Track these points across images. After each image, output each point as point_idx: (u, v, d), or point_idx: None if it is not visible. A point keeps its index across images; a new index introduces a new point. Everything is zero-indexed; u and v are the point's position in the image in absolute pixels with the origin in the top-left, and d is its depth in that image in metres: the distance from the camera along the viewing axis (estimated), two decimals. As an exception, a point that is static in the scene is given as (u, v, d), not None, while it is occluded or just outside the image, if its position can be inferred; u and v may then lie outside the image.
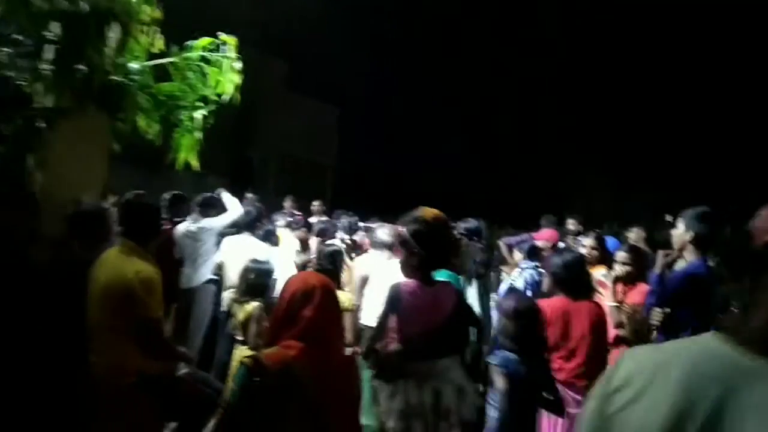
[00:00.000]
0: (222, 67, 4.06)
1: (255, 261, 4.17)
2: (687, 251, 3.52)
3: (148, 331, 2.89)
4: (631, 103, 17.43)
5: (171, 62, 4.11)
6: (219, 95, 4.16)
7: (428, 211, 2.73)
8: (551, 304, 3.55)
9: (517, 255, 5.63)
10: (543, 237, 6.28)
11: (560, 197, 12.32)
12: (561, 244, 6.43)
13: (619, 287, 4.16)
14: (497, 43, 18.45)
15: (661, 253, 3.61)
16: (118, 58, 3.58)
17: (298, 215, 7.79)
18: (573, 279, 3.68)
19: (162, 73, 4.15)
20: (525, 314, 2.97)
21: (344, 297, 3.89)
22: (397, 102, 19.06)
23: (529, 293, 4.93)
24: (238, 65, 4.07)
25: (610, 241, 6.77)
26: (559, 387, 3.25)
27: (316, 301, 1.84)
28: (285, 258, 5.67)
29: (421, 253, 2.64)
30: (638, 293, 3.95)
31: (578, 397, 3.44)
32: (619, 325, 3.97)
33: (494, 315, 4.95)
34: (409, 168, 19.11)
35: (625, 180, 17.20)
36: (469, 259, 4.82)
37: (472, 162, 19.24)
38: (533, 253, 5.48)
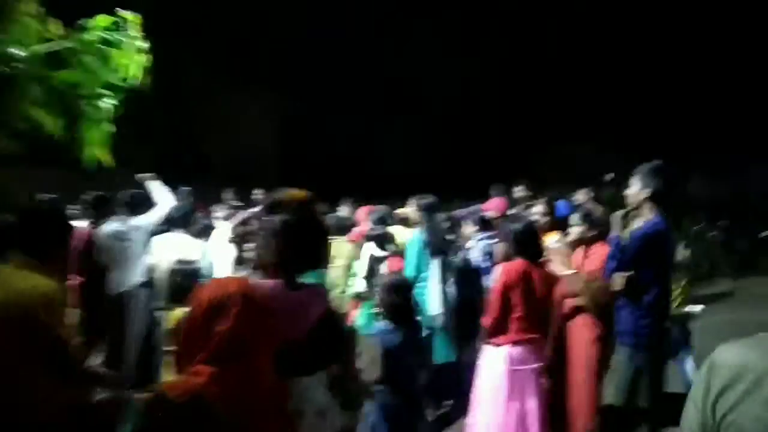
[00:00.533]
0: (125, 49, 3.60)
1: (181, 262, 3.79)
2: (644, 209, 3.34)
3: (57, 358, 2.49)
4: (574, 60, 17.43)
5: (67, 47, 3.61)
6: (126, 80, 3.70)
7: (295, 194, 2.12)
8: (514, 267, 3.71)
9: (469, 228, 5.46)
10: (492, 207, 6.11)
11: (507, 167, 12.22)
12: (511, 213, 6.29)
13: (579, 253, 3.99)
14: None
15: (616, 214, 3.43)
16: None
17: (239, 206, 7.35)
18: (530, 243, 3.81)
19: (62, 61, 3.67)
20: (399, 288, 3.34)
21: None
22: (337, 81, 18.55)
23: (487, 264, 5.01)
24: (144, 45, 3.61)
25: (561, 206, 6.68)
26: (508, 347, 3.65)
27: (234, 312, 1.51)
28: (224, 255, 5.31)
29: (287, 248, 2.01)
30: (597, 258, 3.77)
31: (525, 357, 3.68)
32: (575, 294, 3.80)
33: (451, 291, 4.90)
34: (352, 150, 18.72)
35: (568, 145, 17.33)
36: (434, 235, 4.77)
37: (414, 140, 18.97)
38: (484, 224, 5.42)
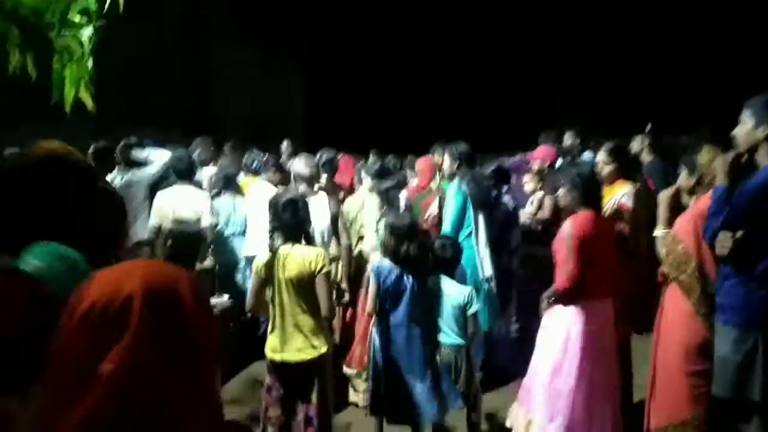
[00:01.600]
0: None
1: (178, 222, 3.20)
2: (761, 152, 2.58)
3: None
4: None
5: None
6: (101, 4, 3.01)
7: (43, 147, 1.50)
8: (588, 218, 3.34)
9: (526, 179, 4.84)
10: (538, 156, 5.36)
11: (551, 116, 11.30)
12: (559, 162, 5.54)
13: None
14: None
15: (725, 157, 2.66)
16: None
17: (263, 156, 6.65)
18: (597, 192, 3.51)
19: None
20: (400, 229, 3.39)
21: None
22: (367, 30, 17.61)
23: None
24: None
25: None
26: (583, 307, 3.31)
27: (132, 332, 0.86)
28: (254, 211, 4.67)
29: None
30: (692, 214, 3.03)
31: (603, 318, 3.37)
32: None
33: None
34: (386, 98, 17.85)
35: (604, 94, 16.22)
36: (478, 186, 4.35)
37: (450, 89, 17.98)
38: (501, 176, 4.85)
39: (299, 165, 4.24)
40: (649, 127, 6.86)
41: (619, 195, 3.75)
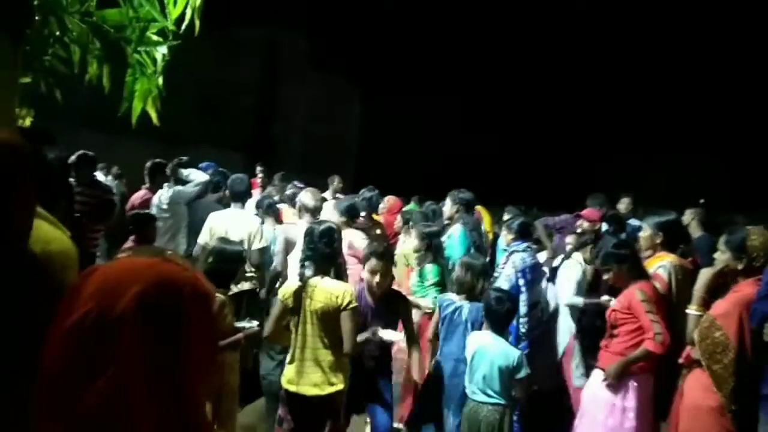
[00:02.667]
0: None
1: (222, 240, 3.27)
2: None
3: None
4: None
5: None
6: (178, 24, 3.19)
7: None
8: (650, 287, 3.36)
9: (507, 235, 4.61)
10: (588, 216, 5.26)
11: (602, 180, 11.16)
12: (605, 227, 5.40)
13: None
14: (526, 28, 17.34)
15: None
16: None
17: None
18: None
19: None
20: (476, 268, 3.70)
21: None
22: (424, 80, 17.98)
23: (521, 282, 4.25)
24: (197, -19, 3.06)
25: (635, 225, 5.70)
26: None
27: (120, 362, 0.82)
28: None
29: None
30: (736, 299, 2.86)
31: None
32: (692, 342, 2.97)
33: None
34: (440, 150, 18.10)
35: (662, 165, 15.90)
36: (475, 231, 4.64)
37: (497, 142, 18.05)
38: (525, 232, 4.55)
39: (306, 197, 4.46)
40: (701, 201, 6.65)
41: (656, 266, 3.65)
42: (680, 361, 3.05)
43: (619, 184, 8.43)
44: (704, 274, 3.19)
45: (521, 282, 4.25)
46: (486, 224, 5.96)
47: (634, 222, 5.67)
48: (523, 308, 4.15)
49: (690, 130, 15.85)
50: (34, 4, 2.75)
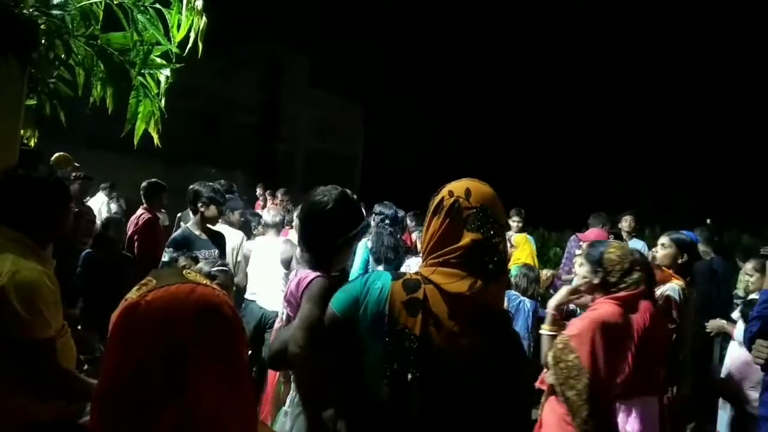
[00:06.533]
0: (181, 7, 3.11)
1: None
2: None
3: (31, 359, 2.00)
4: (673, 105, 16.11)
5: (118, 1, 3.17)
6: (182, 47, 3.22)
7: None
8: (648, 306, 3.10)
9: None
10: (589, 237, 5.25)
11: (605, 201, 11.15)
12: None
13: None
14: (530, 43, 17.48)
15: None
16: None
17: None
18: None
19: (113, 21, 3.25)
20: (532, 272, 5.19)
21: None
22: (423, 97, 18.13)
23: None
24: (200, 3, 3.10)
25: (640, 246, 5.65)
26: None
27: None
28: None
29: None
30: (592, 317, 2.61)
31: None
32: None
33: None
34: (442, 167, 18.14)
35: (668, 183, 15.91)
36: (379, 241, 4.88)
37: (503, 160, 18.10)
38: None
39: (267, 215, 4.96)
40: (708, 221, 6.63)
41: (666, 289, 3.59)
42: (536, 384, 2.76)
43: (624, 201, 8.42)
44: (561, 291, 2.91)
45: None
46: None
47: (635, 243, 5.66)
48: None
49: (697, 150, 15.90)
50: (41, 28, 2.78)
